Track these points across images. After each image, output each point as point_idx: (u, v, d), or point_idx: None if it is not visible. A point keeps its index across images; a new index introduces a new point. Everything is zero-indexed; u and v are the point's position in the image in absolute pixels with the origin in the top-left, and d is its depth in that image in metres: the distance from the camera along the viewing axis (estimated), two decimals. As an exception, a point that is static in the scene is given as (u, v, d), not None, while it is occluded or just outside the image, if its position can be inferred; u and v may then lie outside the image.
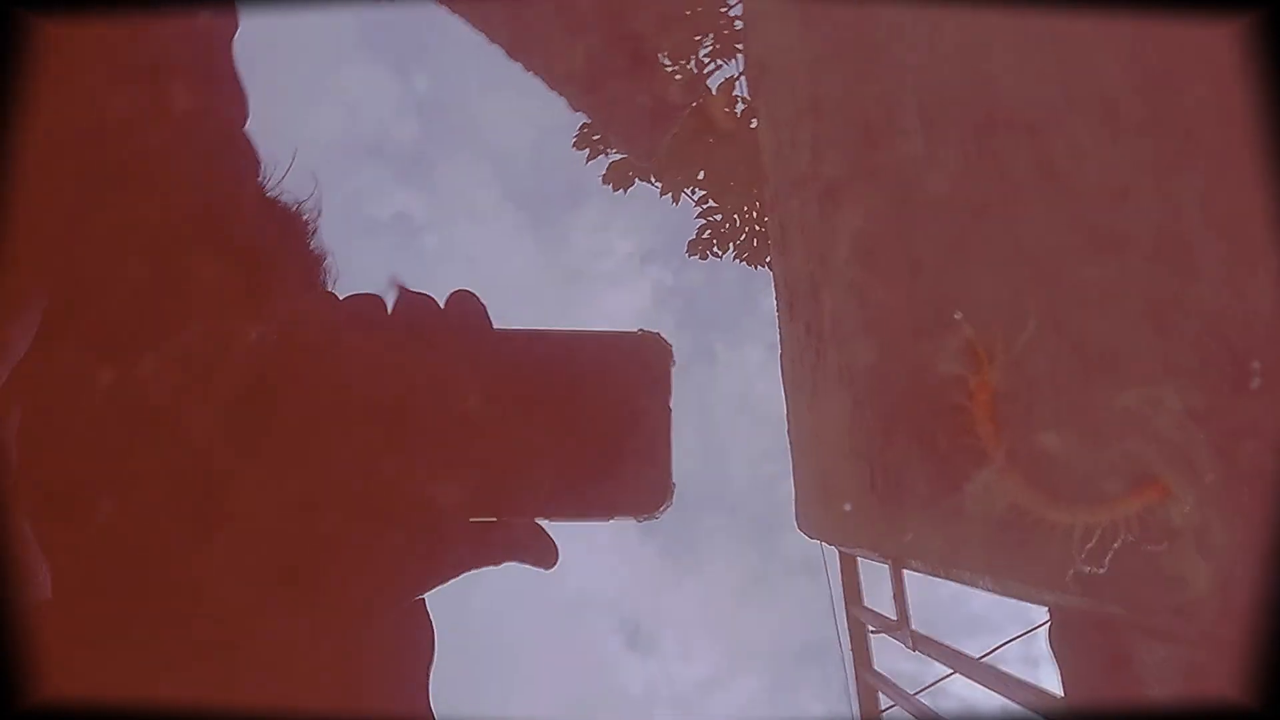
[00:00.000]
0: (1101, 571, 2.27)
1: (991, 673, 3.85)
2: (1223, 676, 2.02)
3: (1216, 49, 1.53)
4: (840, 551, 5.13)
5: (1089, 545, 2.22)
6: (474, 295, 0.87)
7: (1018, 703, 3.40)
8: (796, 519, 4.63)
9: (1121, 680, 2.54)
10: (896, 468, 2.19)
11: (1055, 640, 3.55)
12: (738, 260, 7.66)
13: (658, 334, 0.90)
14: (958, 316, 2.04)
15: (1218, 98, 1.93)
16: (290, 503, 0.79)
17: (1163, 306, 1.95)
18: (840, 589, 5.70)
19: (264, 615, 0.78)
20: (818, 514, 4.46)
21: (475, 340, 0.88)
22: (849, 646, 5.59)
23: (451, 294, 0.86)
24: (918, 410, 2.13)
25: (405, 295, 0.86)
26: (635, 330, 0.90)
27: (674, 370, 0.90)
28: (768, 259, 6.85)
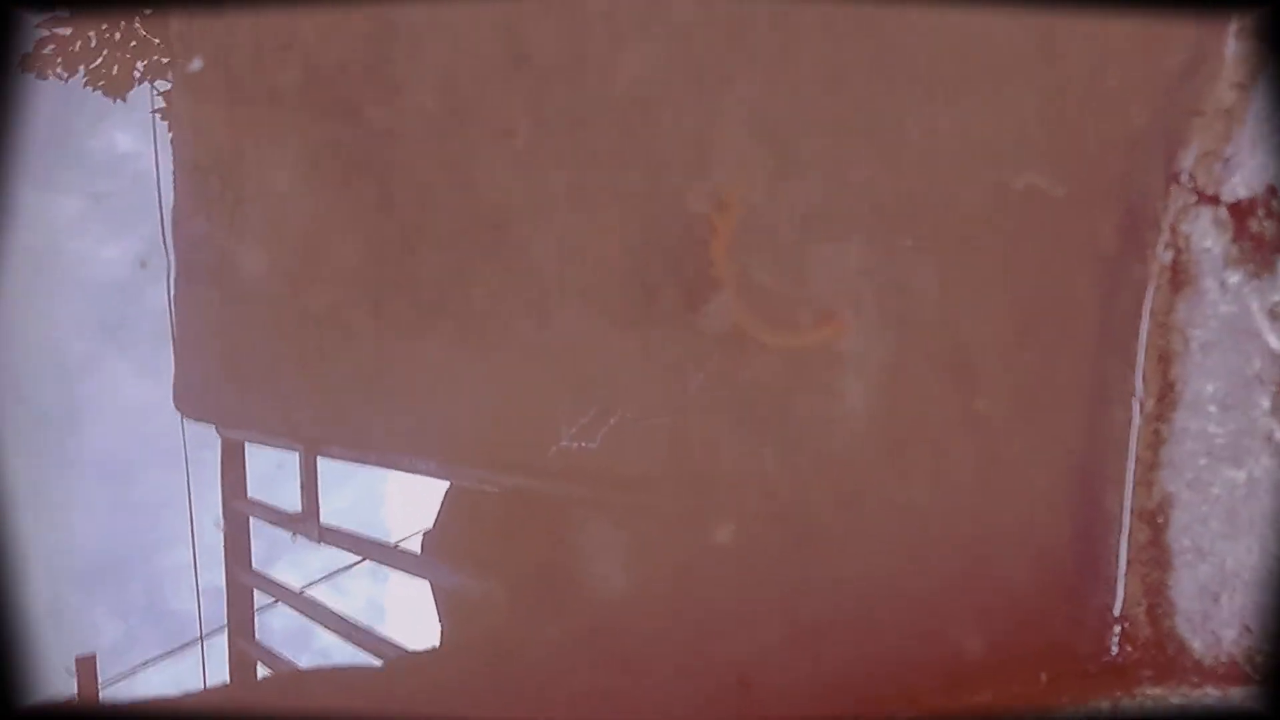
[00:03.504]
0: (594, 446, 2.84)
1: (416, 560, 4.04)
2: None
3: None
4: (225, 439, 4.75)
5: (583, 421, 2.79)
6: None
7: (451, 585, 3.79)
8: (176, 398, 4.65)
9: (561, 558, 3.07)
10: (653, 285, 2.65)
11: (439, 540, 3.96)
12: (88, 87, 5.52)
13: None
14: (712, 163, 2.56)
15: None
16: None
17: (855, 182, 2.57)
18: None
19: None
20: (215, 393, 4.46)
21: None
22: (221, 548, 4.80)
23: None
24: (672, 237, 2.62)
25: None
26: None
27: None
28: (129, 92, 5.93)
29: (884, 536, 2.61)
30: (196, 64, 3.86)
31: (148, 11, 5.43)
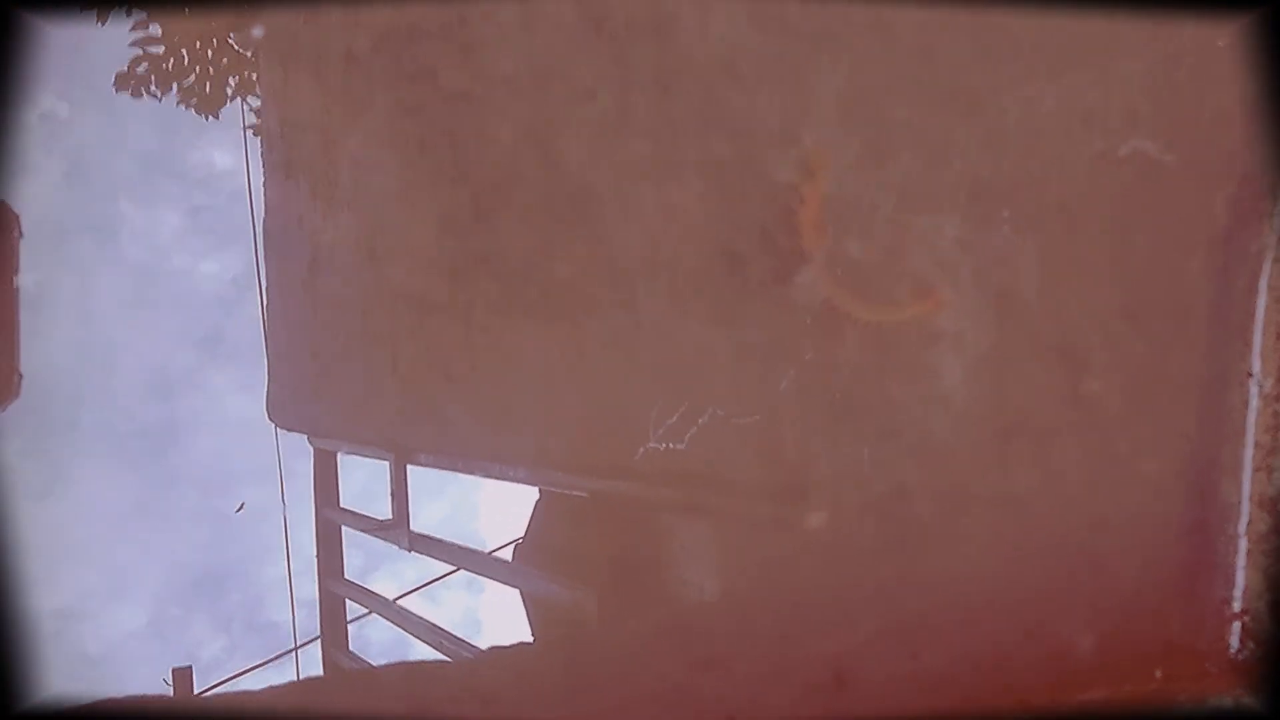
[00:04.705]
0: (682, 447, 2.73)
1: (504, 567, 4.05)
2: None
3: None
4: (316, 448, 4.82)
5: (670, 422, 2.68)
6: None
7: (540, 592, 3.71)
8: (269, 409, 4.62)
9: (654, 561, 2.98)
10: (740, 257, 2.56)
11: (531, 550, 3.88)
12: (182, 105, 5.80)
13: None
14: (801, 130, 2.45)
15: None
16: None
17: (950, 150, 2.46)
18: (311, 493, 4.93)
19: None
20: (307, 403, 4.50)
21: None
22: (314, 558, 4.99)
23: None
24: (759, 207, 2.52)
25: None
26: None
27: (19, 241, 0.76)
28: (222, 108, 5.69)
29: (987, 528, 2.50)
30: (258, 31, 3.86)
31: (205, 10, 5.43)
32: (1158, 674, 2.43)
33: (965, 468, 2.49)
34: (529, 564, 4.00)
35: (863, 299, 2.45)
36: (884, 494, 2.53)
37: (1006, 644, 2.42)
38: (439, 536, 4.36)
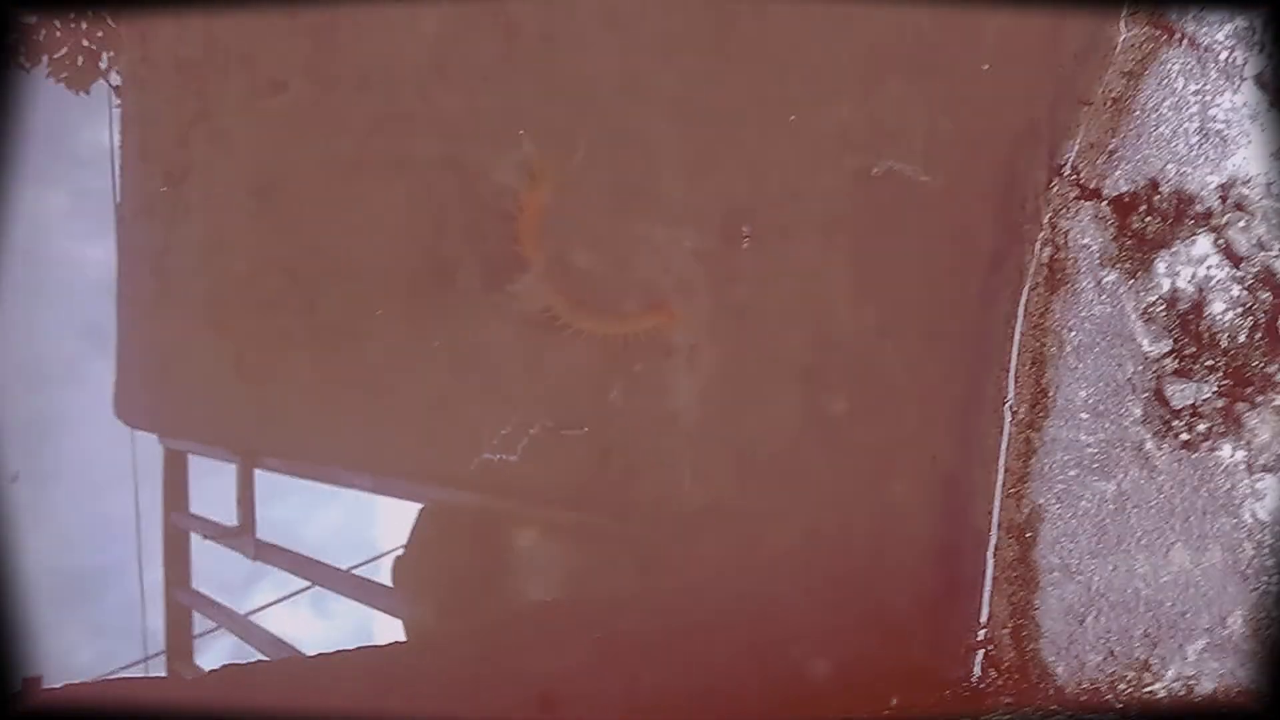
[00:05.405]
0: (514, 459, 2.66)
1: (356, 582, 3.96)
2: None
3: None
4: (167, 448, 4.75)
5: (504, 432, 2.61)
6: None
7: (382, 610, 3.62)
8: (117, 405, 4.51)
9: (495, 579, 2.90)
10: (447, 263, 2.46)
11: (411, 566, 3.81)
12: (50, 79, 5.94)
13: None
14: (521, 133, 2.37)
15: None
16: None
17: (691, 161, 2.42)
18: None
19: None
20: (155, 400, 4.38)
21: None
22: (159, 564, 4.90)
23: None
24: (472, 211, 2.43)
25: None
26: None
27: None
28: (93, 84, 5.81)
29: (720, 548, 2.44)
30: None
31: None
32: (894, 700, 2.40)
33: (696, 486, 2.44)
34: (400, 577, 3.91)
35: (587, 309, 2.38)
36: (607, 510, 2.47)
37: (735, 666, 2.38)
38: (334, 547, 4.26)
